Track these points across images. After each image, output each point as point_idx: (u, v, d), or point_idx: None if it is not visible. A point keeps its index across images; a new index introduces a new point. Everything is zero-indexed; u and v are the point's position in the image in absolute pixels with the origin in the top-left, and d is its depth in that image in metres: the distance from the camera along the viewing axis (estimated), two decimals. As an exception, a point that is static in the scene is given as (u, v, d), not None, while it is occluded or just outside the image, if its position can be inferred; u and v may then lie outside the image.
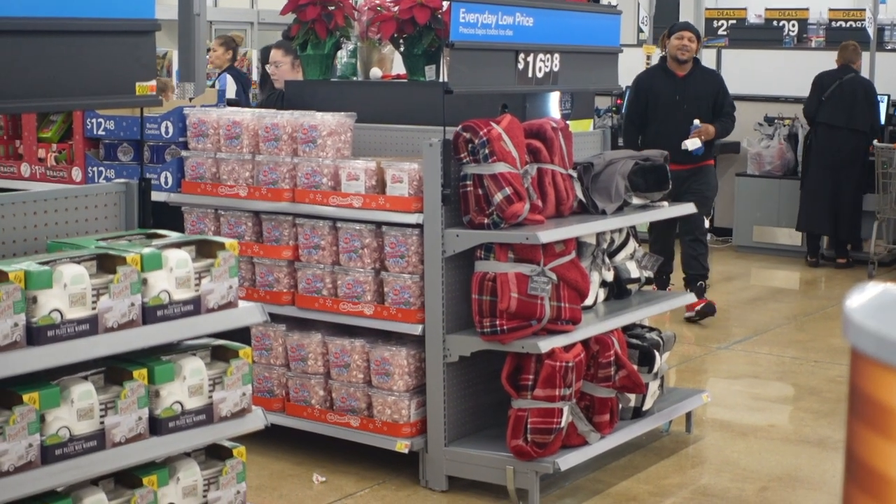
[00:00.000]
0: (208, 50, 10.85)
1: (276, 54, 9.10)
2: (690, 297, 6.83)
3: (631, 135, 9.37)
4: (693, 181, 9.14)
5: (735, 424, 6.92)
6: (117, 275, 3.67)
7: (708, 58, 13.58)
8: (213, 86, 10.21)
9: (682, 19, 18.13)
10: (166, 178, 6.28)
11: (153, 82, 4.09)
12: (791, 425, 6.85)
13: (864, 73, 12.48)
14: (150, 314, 3.78)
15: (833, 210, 11.49)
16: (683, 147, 8.81)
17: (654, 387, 6.21)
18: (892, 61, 12.99)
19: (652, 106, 9.26)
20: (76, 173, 6.47)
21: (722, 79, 9.60)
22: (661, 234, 9.18)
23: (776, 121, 12.56)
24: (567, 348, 5.48)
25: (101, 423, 3.70)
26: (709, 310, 9.26)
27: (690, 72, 9.22)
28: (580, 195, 5.92)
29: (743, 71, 13.40)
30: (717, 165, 13.59)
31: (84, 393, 3.67)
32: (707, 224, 9.81)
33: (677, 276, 9.67)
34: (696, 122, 8.94)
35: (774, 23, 16.65)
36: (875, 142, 11.47)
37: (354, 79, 6.78)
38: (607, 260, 6.15)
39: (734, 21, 16.64)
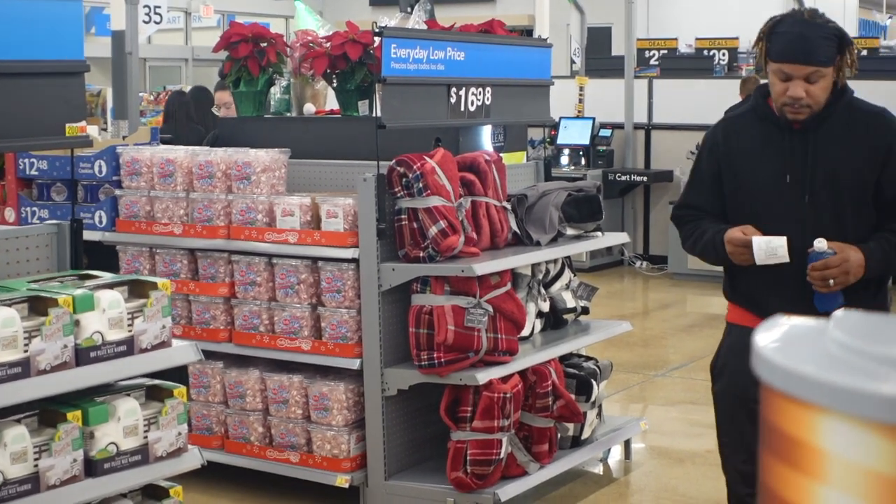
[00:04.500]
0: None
1: (222, 96, 9.08)
2: (626, 326, 6.83)
3: (686, 235, 4.38)
4: None
5: (673, 451, 6.97)
6: (49, 317, 3.65)
7: (640, 88, 13.72)
8: None
9: (614, 51, 18.18)
10: (100, 217, 6.25)
11: (83, 123, 4.08)
12: (728, 451, 6.89)
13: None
14: (83, 356, 3.76)
15: None
16: (812, 259, 3.95)
17: (592, 415, 6.25)
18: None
19: (732, 186, 4.20)
20: (9, 214, 6.42)
21: None
22: None
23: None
24: (505, 379, 5.50)
25: (36, 465, 3.68)
26: None
27: (821, 118, 4.03)
28: (514, 227, 5.96)
29: (675, 100, 13.55)
30: (650, 194, 13.81)
31: (17, 436, 3.64)
32: None
33: None
34: (821, 242, 3.92)
35: (705, 52, 16.85)
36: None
37: (288, 115, 6.78)
38: (543, 290, 6.18)
39: (665, 51, 16.83)
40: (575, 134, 13.53)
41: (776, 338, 1.16)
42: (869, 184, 4.02)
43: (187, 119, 10.38)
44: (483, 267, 5.43)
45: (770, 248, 3.92)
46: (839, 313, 1.21)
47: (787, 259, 3.91)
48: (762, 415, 1.15)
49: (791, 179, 4.05)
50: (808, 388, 1.07)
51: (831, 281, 3.90)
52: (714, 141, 4.26)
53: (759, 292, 4.16)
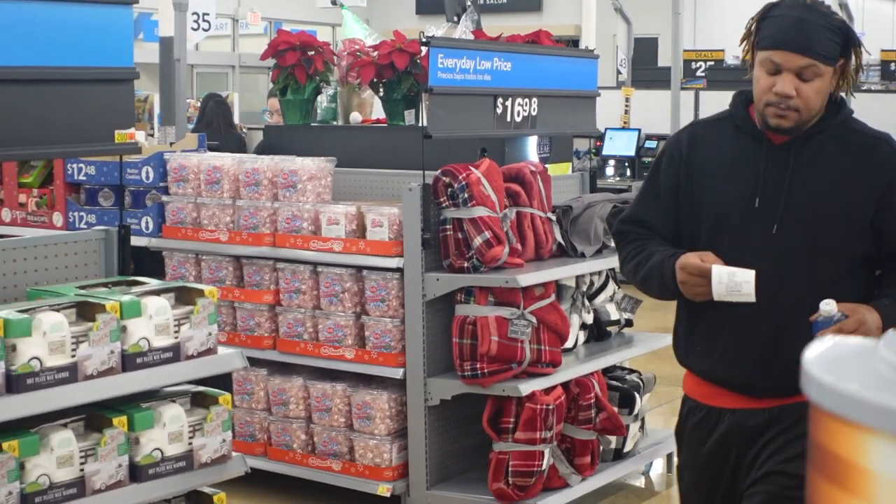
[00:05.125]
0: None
1: (274, 103, 9.13)
2: (670, 339, 6.73)
3: (628, 255, 3.52)
4: (783, 439, 3.30)
5: (716, 465, 6.93)
6: (97, 322, 3.68)
7: (686, 99, 13.65)
8: None
9: (660, 62, 18.10)
10: (147, 223, 6.29)
11: (132, 130, 4.11)
12: (772, 466, 6.85)
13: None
14: (129, 361, 3.78)
15: None
16: (819, 326, 3.12)
17: (634, 428, 6.23)
18: (866, 102, 13.08)
19: (690, 206, 3.43)
20: (57, 218, 6.48)
21: None
22: None
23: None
24: (547, 391, 5.49)
25: (82, 470, 3.70)
26: None
27: (809, 133, 3.29)
28: (559, 238, 5.95)
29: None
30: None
31: (64, 440, 3.67)
32: None
33: None
34: (829, 305, 3.08)
35: (752, 64, 16.74)
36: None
37: (334, 123, 6.81)
38: (587, 302, 6.17)
39: (712, 62, 16.76)
40: (620, 145, 13.50)
41: (824, 357, 1.16)
42: (856, 222, 3.23)
43: (228, 126, 10.43)
44: (527, 278, 5.42)
45: (733, 283, 3.13)
46: (890, 333, 1.20)
47: (752, 299, 3.12)
48: (810, 434, 1.15)
49: (761, 203, 3.27)
50: (857, 408, 1.06)
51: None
52: (676, 149, 3.47)
53: (718, 356, 3.35)
